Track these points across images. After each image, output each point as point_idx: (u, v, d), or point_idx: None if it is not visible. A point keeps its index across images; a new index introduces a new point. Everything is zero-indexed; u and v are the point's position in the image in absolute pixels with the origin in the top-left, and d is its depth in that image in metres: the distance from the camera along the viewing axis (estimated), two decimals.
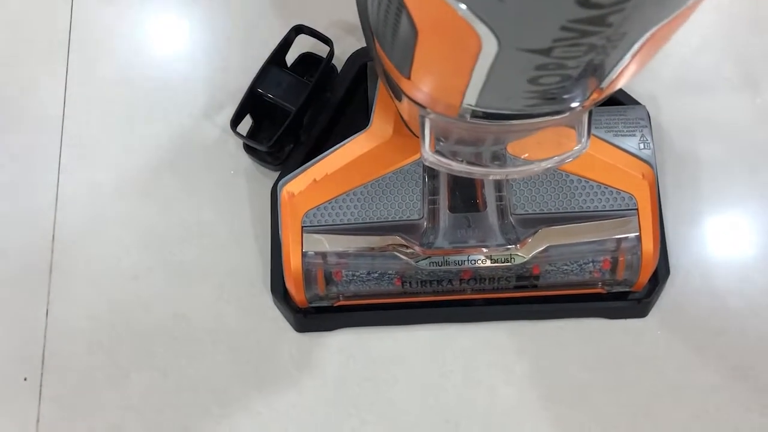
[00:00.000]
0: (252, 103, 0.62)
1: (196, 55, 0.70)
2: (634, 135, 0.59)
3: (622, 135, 0.59)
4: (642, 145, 0.59)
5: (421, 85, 0.32)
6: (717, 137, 0.66)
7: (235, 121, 0.61)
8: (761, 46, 0.68)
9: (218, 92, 0.68)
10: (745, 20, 0.69)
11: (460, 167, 0.38)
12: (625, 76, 0.30)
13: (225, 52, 0.70)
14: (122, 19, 0.71)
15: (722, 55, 0.68)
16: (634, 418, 0.60)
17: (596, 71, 0.27)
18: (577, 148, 0.37)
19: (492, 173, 0.40)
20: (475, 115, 0.31)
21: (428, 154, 0.37)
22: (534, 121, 0.31)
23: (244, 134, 0.64)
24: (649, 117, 0.62)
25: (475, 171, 0.39)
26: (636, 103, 0.63)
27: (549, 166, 0.38)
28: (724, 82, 0.67)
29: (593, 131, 0.59)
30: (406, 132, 0.59)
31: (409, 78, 0.31)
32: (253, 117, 0.64)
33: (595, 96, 0.31)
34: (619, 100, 0.63)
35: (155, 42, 0.71)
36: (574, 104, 0.31)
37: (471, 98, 0.30)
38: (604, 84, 0.29)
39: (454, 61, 0.27)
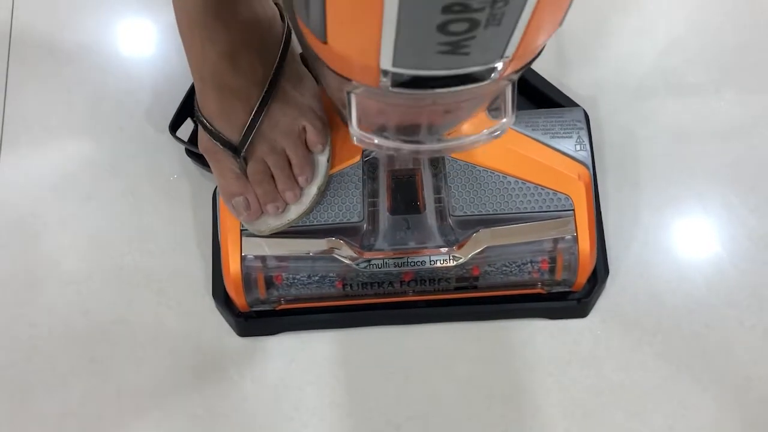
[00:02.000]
0: (192, 107, 0.62)
1: (139, 59, 0.70)
2: (571, 137, 0.60)
3: (558, 137, 0.60)
4: (578, 147, 0.60)
5: (338, 46, 0.32)
6: (658, 140, 0.67)
7: (174, 125, 0.61)
8: (717, 54, 0.69)
9: (162, 97, 0.68)
10: (700, 30, 0.70)
11: (386, 143, 0.38)
12: (534, 35, 0.30)
13: (168, 57, 0.69)
14: (65, 22, 0.71)
15: (670, 61, 0.69)
16: (573, 417, 0.60)
17: (503, 18, 0.27)
18: (504, 121, 0.37)
19: (421, 149, 0.40)
20: (395, 82, 0.31)
21: (355, 131, 0.37)
22: (456, 89, 0.31)
23: (186, 138, 0.63)
24: (588, 118, 0.62)
25: (404, 147, 0.39)
26: (574, 104, 0.64)
27: (478, 140, 0.39)
28: (667, 88, 0.68)
29: (530, 133, 0.60)
30: (346, 135, 0.59)
31: (326, 42, 0.31)
32: (194, 121, 0.64)
33: (512, 63, 0.31)
34: (558, 102, 0.64)
35: (98, 46, 0.70)
36: (491, 65, 0.31)
37: (386, 58, 0.30)
38: (515, 41, 0.30)
39: (363, 7, 0.27)
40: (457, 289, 0.60)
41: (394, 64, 0.31)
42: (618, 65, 0.69)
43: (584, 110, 0.62)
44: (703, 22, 0.70)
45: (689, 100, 0.68)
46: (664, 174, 0.66)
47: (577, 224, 0.58)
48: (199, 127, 0.56)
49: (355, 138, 0.38)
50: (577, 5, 0.69)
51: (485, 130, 0.38)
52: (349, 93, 0.36)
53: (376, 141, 0.38)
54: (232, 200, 0.56)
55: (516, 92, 0.37)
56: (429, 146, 0.40)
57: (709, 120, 0.67)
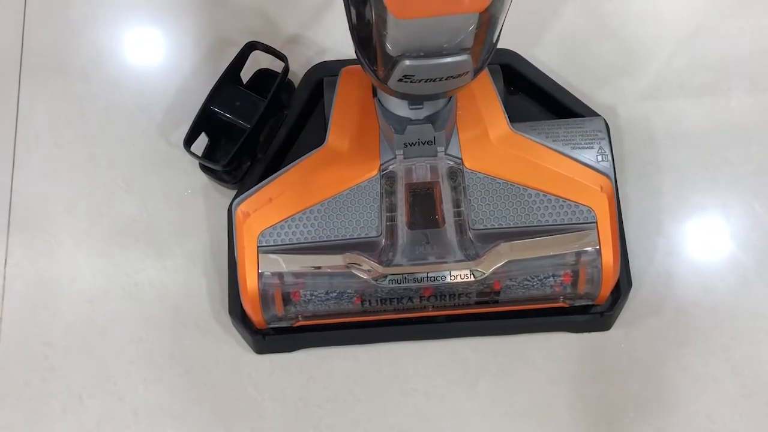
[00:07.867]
0: (206, 122, 0.61)
1: (152, 73, 0.69)
2: (592, 147, 0.59)
3: (579, 147, 0.59)
4: (600, 157, 0.59)
5: None
6: (678, 149, 0.66)
7: (189, 141, 0.61)
8: (731, 56, 0.68)
9: (175, 111, 0.67)
10: (714, 31, 0.69)
11: None
12: None
13: (182, 71, 0.69)
14: (75, 37, 0.70)
15: (689, 66, 0.67)
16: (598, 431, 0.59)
17: None
18: None
19: None
20: None
21: None
22: None
23: (200, 153, 0.63)
24: (608, 128, 0.61)
25: None
26: (595, 114, 0.63)
27: None
28: (687, 94, 0.67)
29: (550, 144, 0.58)
30: (363, 147, 0.58)
31: None
32: (208, 135, 0.63)
33: None
34: (578, 112, 0.63)
35: (109, 60, 0.69)
36: None
37: None
38: None
39: None
40: (478, 304, 0.59)
41: None
42: (636, 73, 0.68)
43: (605, 120, 0.61)
44: (722, 29, 0.68)
45: (709, 107, 0.67)
46: (686, 182, 0.65)
47: (600, 237, 0.56)
48: None
49: None
50: (593, 14, 0.68)
51: None
52: None
53: None
54: None
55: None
56: None
57: (731, 127, 0.66)
